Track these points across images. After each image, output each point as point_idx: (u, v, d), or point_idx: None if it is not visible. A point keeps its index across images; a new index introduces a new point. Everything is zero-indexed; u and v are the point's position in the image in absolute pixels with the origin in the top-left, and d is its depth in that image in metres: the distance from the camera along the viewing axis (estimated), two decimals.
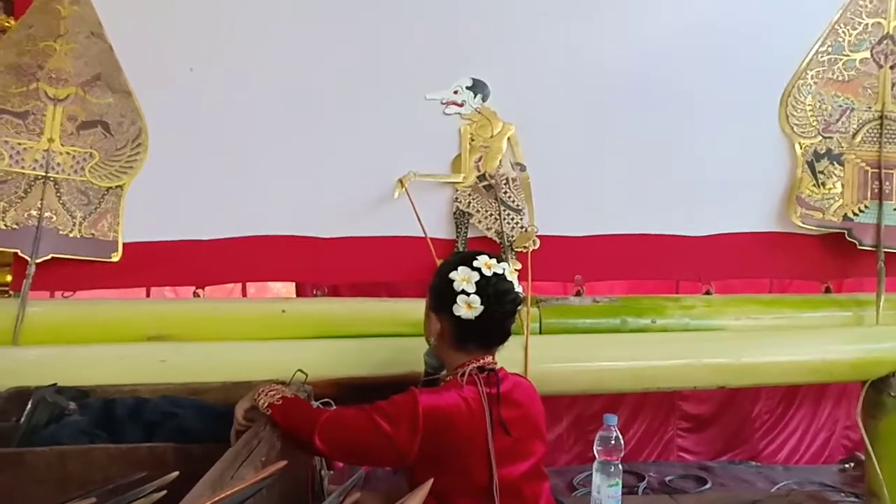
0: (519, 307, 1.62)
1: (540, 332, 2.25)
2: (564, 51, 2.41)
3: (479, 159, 2.40)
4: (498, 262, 1.59)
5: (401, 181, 2.28)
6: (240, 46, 2.32)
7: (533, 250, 2.32)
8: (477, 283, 1.55)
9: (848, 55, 2.47)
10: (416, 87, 2.37)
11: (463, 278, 1.55)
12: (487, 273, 1.56)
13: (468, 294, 1.54)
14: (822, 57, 2.46)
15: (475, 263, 1.57)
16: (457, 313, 1.55)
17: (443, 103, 2.38)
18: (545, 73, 2.41)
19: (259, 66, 2.33)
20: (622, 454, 1.76)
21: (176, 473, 1.21)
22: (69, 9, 2.26)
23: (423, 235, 2.24)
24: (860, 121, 2.48)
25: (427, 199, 2.31)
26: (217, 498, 1.03)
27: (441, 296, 1.59)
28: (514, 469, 1.55)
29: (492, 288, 1.55)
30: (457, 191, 2.38)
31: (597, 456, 1.77)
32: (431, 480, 1.41)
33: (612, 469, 1.74)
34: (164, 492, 1.16)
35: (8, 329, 2.07)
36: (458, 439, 1.49)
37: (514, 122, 2.41)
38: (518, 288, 1.60)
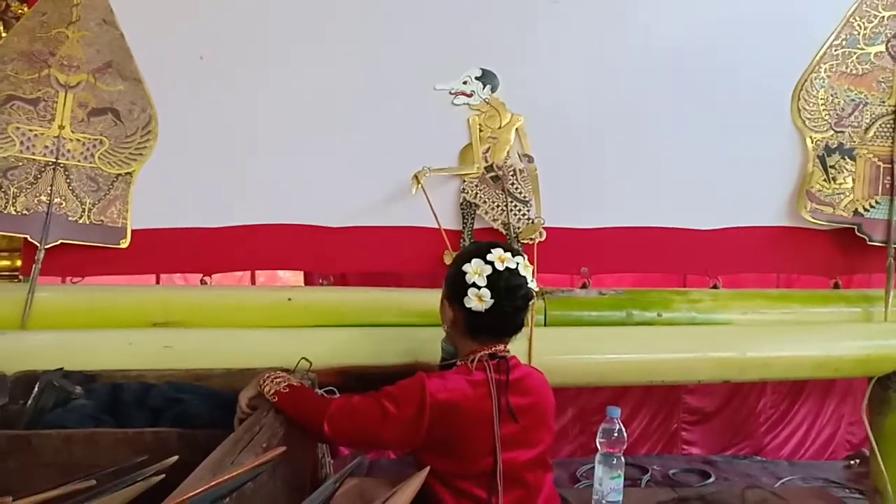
0: (531, 302, 1.62)
1: (545, 324, 2.25)
2: (574, 43, 2.39)
3: (487, 150, 2.39)
4: (513, 255, 1.58)
5: (416, 177, 2.27)
6: (250, 36, 2.33)
7: (539, 242, 2.31)
8: (489, 276, 1.55)
9: (863, 48, 2.43)
10: (425, 78, 2.36)
11: (475, 271, 1.56)
12: (500, 267, 1.56)
13: (479, 287, 1.55)
14: (836, 50, 2.43)
15: (489, 257, 1.57)
16: (468, 305, 1.56)
17: (451, 93, 2.37)
18: (555, 64, 2.39)
19: (268, 57, 2.33)
20: (625, 447, 1.76)
21: (176, 458, 1.23)
22: None
23: (430, 226, 2.24)
24: (873, 115, 2.44)
25: (434, 190, 2.30)
26: (216, 481, 1.04)
27: (454, 286, 1.60)
28: (519, 455, 1.56)
29: (503, 282, 1.56)
30: (464, 181, 2.38)
31: (599, 448, 1.76)
32: (427, 468, 1.43)
33: (615, 461, 1.74)
34: (163, 475, 1.17)
35: (17, 313, 2.09)
36: (463, 423, 1.51)
37: (522, 113, 2.39)
38: (532, 283, 1.60)
